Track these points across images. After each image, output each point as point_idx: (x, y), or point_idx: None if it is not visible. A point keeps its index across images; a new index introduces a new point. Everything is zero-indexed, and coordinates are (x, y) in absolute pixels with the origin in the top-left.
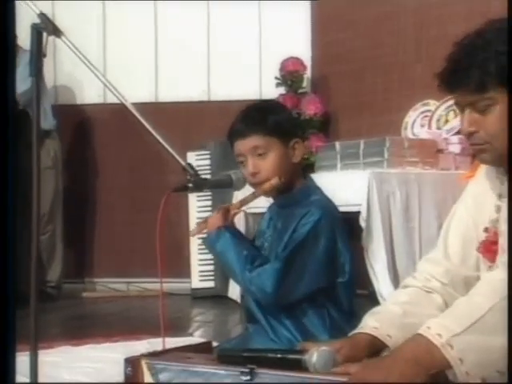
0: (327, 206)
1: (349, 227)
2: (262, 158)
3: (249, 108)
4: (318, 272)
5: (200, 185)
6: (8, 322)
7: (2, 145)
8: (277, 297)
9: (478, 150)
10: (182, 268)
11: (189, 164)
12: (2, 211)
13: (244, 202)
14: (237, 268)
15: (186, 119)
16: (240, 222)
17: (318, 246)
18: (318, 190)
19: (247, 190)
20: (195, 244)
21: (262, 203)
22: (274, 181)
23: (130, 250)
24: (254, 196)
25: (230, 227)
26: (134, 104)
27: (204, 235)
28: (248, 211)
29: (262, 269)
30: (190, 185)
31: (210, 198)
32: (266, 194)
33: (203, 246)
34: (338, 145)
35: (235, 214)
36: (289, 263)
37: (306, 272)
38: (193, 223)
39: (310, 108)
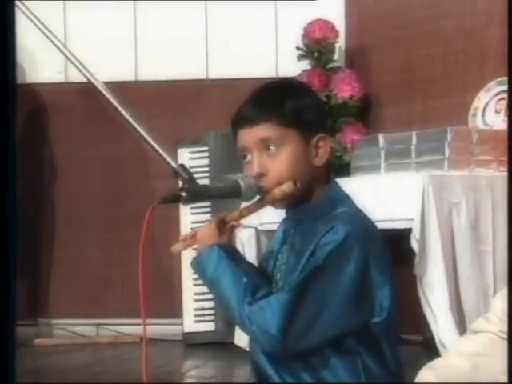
0: (357, 220)
1: (395, 250)
2: (272, 154)
3: (262, 88)
4: (343, 310)
5: (196, 194)
6: (8, 320)
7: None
8: (285, 341)
9: None
10: (171, 305)
11: (181, 165)
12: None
13: (246, 211)
14: (233, 300)
15: (178, 104)
16: (250, 242)
17: (342, 275)
18: (346, 199)
19: None
20: (189, 272)
21: (281, 217)
22: (287, 187)
23: (100, 280)
24: (259, 205)
25: (225, 245)
26: (107, 83)
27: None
28: (261, 228)
29: (266, 301)
30: (183, 194)
31: (208, 210)
32: (276, 203)
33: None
34: (381, 138)
35: (233, 227)
36: (301, 295)
37: (326, 309)
38: None
39: (344, 89)
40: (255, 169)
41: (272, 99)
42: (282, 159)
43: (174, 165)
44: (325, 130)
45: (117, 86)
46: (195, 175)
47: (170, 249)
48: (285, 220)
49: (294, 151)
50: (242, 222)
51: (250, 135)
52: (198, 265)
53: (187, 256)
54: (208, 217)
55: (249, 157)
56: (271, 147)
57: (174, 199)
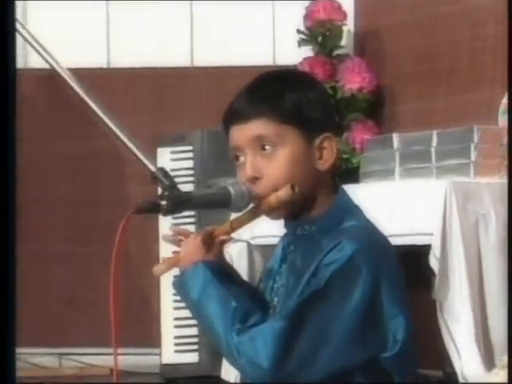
0: (367, 235)
1: (412, 270)
2: (267, 155)
3: (258, 79)
4: (347, 342)
5: (178, 203)
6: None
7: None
8: (278, 376)
9: None
10: (147, 331)
11: (161, 169)
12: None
13: (237, 224)
14: (220, 328)
15: (157, 95)
16: (241, 258)
17: (348, 300)
18: (355, 210)
19: None
20: (169, 293)
21: (278, 230)
22: (284, 192)
23: (65, 302)
24: (252, 215)
25: (213, 262)
26: (74, 70)
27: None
28: (253, 242)
29: (258, 330)
30: (163, 202)
31: (192, 221)
32: (271, 212)
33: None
34: (396, 138)
35: (223, 242)
36: (298, 323)
37: (327, 341)
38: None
39: (353, 79)
40: (248, 172)
41: (268, 91)
42: (279, 161)
43: (152, 168)
44: (331, 128)
45: (86, 74)
46: (177, 179)
47: (152, 270)
48: (285, 236)
49: (293, 152)
50: (233, 235)
51: (243, 133)
52: (180, 285)
53: (167, 274)
54: (192, 229)
55: (241, 158)
56: (267, 147)
57: (153, 209)
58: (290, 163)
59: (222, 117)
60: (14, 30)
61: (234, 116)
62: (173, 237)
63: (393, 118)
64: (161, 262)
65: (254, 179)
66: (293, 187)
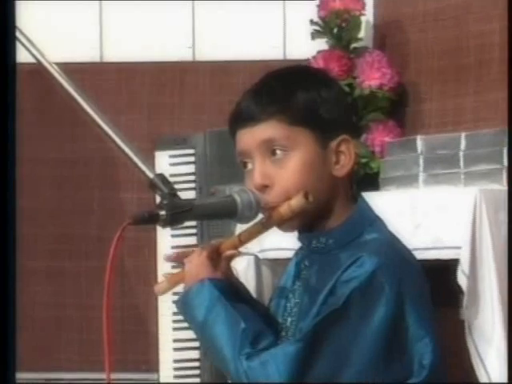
0: (390, 249)
1: (439, 287)
2: (278, 160)
3: (267, 76)
4: (368, 367)
5: (179, 213)
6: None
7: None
8: None
9: None
10: (144, 355)
11: (160, 175)
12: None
13: (246, 237)
14: (227, 352)
15: (155, 93)
16: (248, 274)
17: (369, 321)
18: (377, 221)
19: None
20: (168, 312)
21: (289, 242)
22: (296, 201)
23: (51, 322)
24: (262, 227)
25: (220, 280)
26: (62, 65)
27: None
28: (262, 256)
29: (269, 354)
30: (162, 212)
31: (193, 232)
32: (283, 223)
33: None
34: (420, 141)
35: (230, 257)
36: (314, 346)
37: (345, 366)
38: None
39: (373, 75)
40: (257, 179)
41: (278, 90)
42: (291, 167)
43: (150, 174)
44: (348, 130)
45: (76, 69)
46: (178, 186)
47: (153, 289)
48: (299, 250)
49: (306, 156)
50: (241, 249)
51: (251, 136)
52: (184, 305)
53: None
54: (193, 241)
55: (250, 165)
56: (277, 151)
57: (150, 219)
58: (302, 169)
59: (228, 119)
60: (14, 29)
61: (240, 118)
62: (176, 258)
63: (416, 119)
64: (162, 279)
65: (264, 187)
66: (306, 195)
